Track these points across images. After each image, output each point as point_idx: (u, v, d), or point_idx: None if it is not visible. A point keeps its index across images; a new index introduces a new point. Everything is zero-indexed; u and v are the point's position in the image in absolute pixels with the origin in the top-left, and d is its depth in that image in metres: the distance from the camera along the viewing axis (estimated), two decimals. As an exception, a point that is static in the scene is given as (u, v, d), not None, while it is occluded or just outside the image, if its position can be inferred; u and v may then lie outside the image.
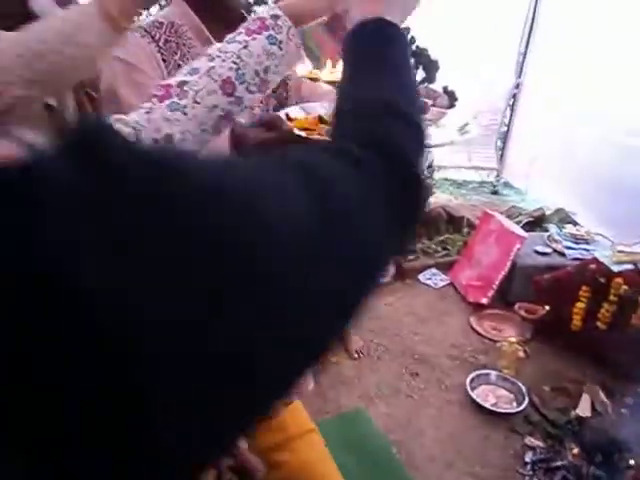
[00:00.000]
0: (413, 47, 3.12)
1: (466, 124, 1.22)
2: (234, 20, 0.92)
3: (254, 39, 0.73)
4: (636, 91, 3.24)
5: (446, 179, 4.56)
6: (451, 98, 3.42)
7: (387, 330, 2.75)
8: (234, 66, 0.72)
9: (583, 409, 2.24)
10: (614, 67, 3.36)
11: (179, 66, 1.02)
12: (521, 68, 4.14)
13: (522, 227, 3.23)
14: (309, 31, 0.82)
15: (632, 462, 1.95)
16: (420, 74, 3.23)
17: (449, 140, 1.20)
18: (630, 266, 2.34)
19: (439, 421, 2.21)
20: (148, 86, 0.83)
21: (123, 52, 1.02)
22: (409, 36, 3.12)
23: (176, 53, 1.08)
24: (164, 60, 1.07)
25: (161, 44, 1.07)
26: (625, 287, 2.27)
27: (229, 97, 0.72)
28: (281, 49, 0.74)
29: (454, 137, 1.20)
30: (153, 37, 1.07)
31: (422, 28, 3.71)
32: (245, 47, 0.72)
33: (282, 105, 1.21)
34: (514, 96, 4.23)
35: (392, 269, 3.12)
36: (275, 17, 0.74)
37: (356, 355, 2.53)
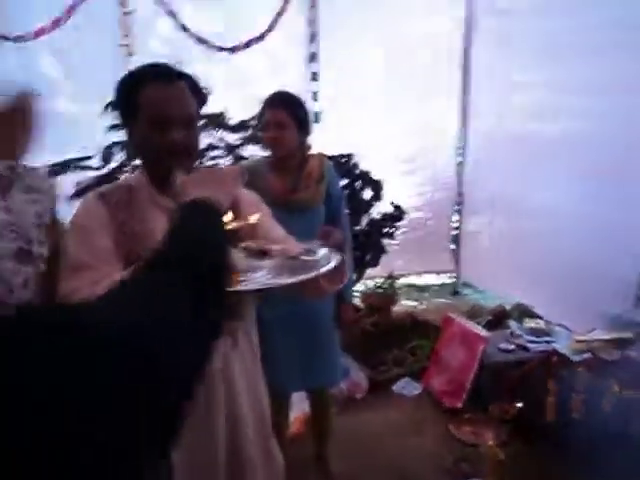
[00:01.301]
0: (357, 171, 3.39)
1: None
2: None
3: None
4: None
5: (409, 285, 4.71)
6: (400, 212, 3.69)
7: (366, 448, 2.69)
8: None
9: (572, 510, 2.19)
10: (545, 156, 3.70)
11: (125, 221, 1.23)
12: (460, 179, 4.50)
13: (484, 326, 3.33)
14: None
15: None
16: (368, 194, 3.48)
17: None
18: (588, 354, 2.44)
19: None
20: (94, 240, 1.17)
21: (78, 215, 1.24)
22: (352, 161, 3.41)
23: (124, 210, 1.25)
24: (113, 216, 1.24)
25: (112, 204, 1.25)
26: (588, 375, 2.34)
27: None
28: None
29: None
30: (105, 199, 1.26)
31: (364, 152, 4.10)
32: None
33: None
34: (458, 203, 4.55)
35: (365, 383, 3.12)
36: None
37: (335, 478, 2.45)
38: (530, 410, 2.58)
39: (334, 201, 2.24)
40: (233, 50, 3.30)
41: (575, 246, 3.51)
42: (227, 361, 1.32)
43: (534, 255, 3.85)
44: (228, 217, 0.90)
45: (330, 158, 3.27)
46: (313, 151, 2.40)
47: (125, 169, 2.64)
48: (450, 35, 4.20)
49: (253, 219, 1.10)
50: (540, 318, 3.46)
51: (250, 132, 2.84)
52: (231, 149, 2.78)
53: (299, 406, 2.62)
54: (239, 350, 1.35)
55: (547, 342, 2.87)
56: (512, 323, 3.22)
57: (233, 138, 2.87)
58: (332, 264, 1.00)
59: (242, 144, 2.87)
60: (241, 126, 2.83)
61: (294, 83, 3.54)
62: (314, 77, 3.52)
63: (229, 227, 0.92)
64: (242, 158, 2.78)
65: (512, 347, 2.94)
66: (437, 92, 4.26)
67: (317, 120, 3.47)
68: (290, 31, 3.55)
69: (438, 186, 4.45)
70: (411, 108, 4.22)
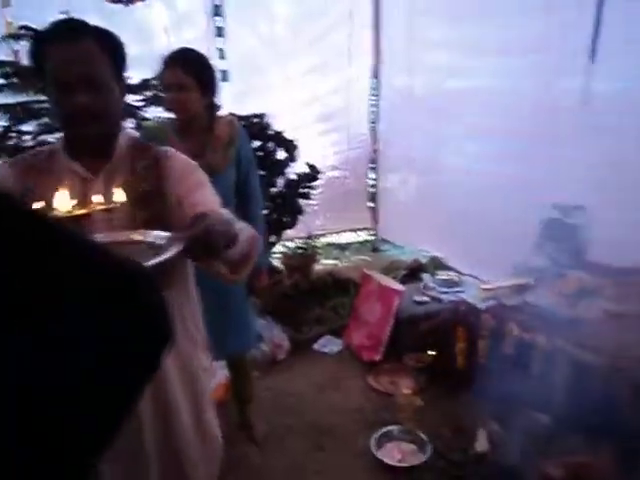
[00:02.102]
0: (270, 131, 3.32)
1: None
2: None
3: None
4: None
5: (329, 244, 4.76)
6: (315, 172, 3.67)
7: (290, 407, 2.74)
8: None
9: (481, 444, 2.36)
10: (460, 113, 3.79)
11: (31, 187, 1.16)
12: (375, 137, 4.54)
13: (401, 280, 3.44)
14: None
15: (530, 486, 2.06)
16: (282, 154, 3.43)
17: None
18: (494, 301, 2.58)
19: (352, 490, 2.21)
20: None
21: None
22: (264, 121, 3.32)
23: (33, 176, 1.19)
24: (18, 181, 1.18)
25: (21, 169, 1.20)
26: (492, 321, 2.49)
27: None
28: None
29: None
30: (15, 164, 1.22)
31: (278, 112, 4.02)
32: None
33: None
34: (374, 161, 4.60)
35: (287, 344, 3.15)
36: None
37: (261, 442, 2.48)
38: (443, 357, 2.72)
39: (245, 164, 2.18)
40: (129, 1, 3.06)
41: (483, 200, 3.66)
42: None
43: (447, 210, 3.98)
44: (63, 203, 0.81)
45: (241, 119, 3.19)
46: (222, 112, 2.31)
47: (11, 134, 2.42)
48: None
49: (117, 199, 1.03)
50: (452, 270, 3.62)
51: (152, 93, 2.67)
52: (132, 111, 2.61)
53: (220, 373, 2.61)
54: None
55: (458, 292, 3.01)
56: (426, 276, 3.34)
57: (133, 99, 2.69)
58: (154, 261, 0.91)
59: (144, 105, 2.70)
60: (142, 86, 2.66)
61: (198, 39, 3.38)
62: (219, 32, 3.35)
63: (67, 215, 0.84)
64: (144, 120, 2.62)
65: (426, 299, 3.06)
66: (350, 51, 4.21)
67: (225, 79, 3.33)
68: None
69: (354, 145, 4.47)
70: (325, 67, 4.16)
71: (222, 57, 3.42)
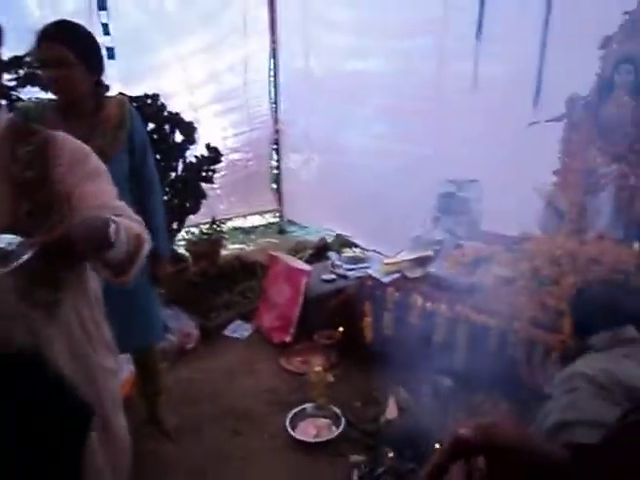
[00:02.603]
0: (165, 113, 3.16)
1: None
2: None
3: None
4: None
5: (235, 228, 4.68)
6: (216, 154, 3.56)
7: (203, 396, 2.67)
8: None
9: (390, 412, 2.45)
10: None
11: None
12: (276, 117, 4.49)
13: (308, 260, 3.46)
14: None
15: (438, 445, 2.18)
16: (180, 137, 3.28)
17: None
18: (397, 274, 2.67)
19: (272, 472, 2.21)
20: None
21: None
22: (159, 102, 3.15)
23: None
24: None
25: None
26: (397, 294, 2.57)
27: None
28: None
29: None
30: None
31: (173, 92, 3.84)
32: None
33: None
34: (276, 141, 4.56)
35: (196, 332, 3.06)
36: None
37: (174, 434, 2.40)
38: (352, 332, 2.77)
39: (138, 148, 2.04)
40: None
41: (384, 178, 3.76)
42: (43, 342, 1.14)
43: (350, 189, 4.05)
44: None
45: (133, 100, 3.00)
46: (111, 93, 2.14)
47: None
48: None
49: None
50: (358, 247, 3.70)
51: (26, 70, 2.42)
52: (2, 91, 2.34)
53: (126, 368, 2.48)
54: (60, 327, 1.17)
55: (363, 268, 3.07)
56: (332, 254, 3.39)
57: (5, 79, 2.42)
58: None
59: (17, 85, 2.44)
60: (13, 63, 2.40)
61: (78, 13, 3.13)
62: (102, 6, 3.10)
63: None
64: (19, 100, 2.38)
65: (333, 277, 3.10)
66: (245, 29, 4.10)
67: (111, 57, 3.10)
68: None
69: (255, 125, 4.39)
70: (220, 45, 4.02)
71: (107, 33, 3.17)
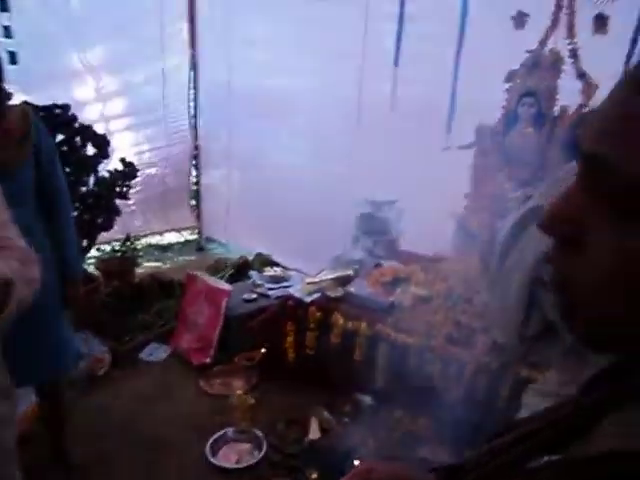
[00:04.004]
0: (76, 124, 2.99)
1: None
2: None
3: None
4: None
5: (150, 245, 4.50)
6: (132, 168, 3.42)
7: (115, 425, 2.52)
8: None
9: (313, 432, 2.45)
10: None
11: None
12: (196, 132, 4.40)
13: (228, 279, 3.40)
14: None
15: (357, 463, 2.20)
16: (91, 150, 3.12)
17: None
18: (319, 294, 2.68)
19: (188, 502, 2.12)
20: None
21: None
22: (69, 113, 2.99)
23: None
24: None
25: None
26: (318, 313, 2.58)
27: None
28: None
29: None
30: None
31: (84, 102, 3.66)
32: None
33: None
34: (195, 157, 4.46)
35: (108, 357, 2.89)
36: None
37: (82, 469, 2.24)
38: (274, 353, 2.75)
39: (45, 160, 1.91)
40: None
41: (305, 196, 3.79)
42: None
43: (271, 206, 4.04)
44: None
45: (39, 110, 2.82)
46: (14, 102, 1.99)
47: None
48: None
49: None
50: (279, 265, 3.69)
51: None
52: None
53: (24, 399, 2.28)
54: None
55: (285, 287, 3.07)
56: (253, 273, 3.35)
57: None
58: None
59: None
60: None
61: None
62: (3, 7, 2.89)
63: None
64: None
65: (254, 296, 3.06)
66: (162, 41, 3.99)
67: (13, 61, 2.89)
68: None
69: (174, 140, 4.27)
70: (135, 55, 3.89)
71: (8, 36, 2.95)
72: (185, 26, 4.10)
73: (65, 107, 2.98)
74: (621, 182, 0.37)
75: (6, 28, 2.94)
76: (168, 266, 4.26)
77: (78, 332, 2.83)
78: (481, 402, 2.18)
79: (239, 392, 2.51)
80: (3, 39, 2.94)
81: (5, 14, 2.93)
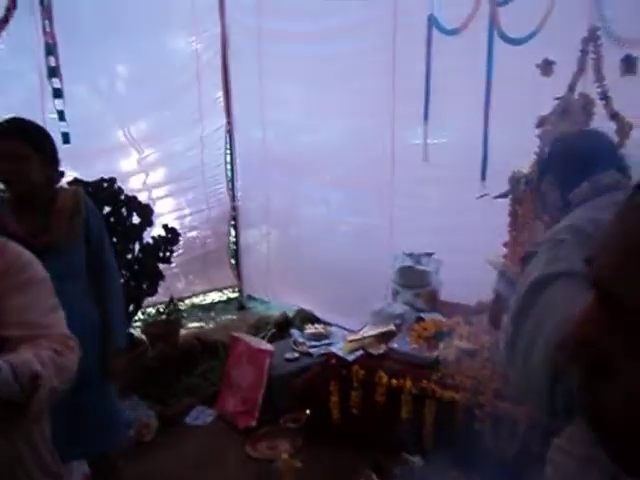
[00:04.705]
0: (122, 196, 3.15)
1: None
2: None
3: None
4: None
5: (194, 306, 4.58)
6: (174, 234, 3.54)
7: (163, 493, 2.51)
8: None
9: (363, 497, 2.36)
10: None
11: None
12: (233, 194, 4.54)
13: (270, 338, 3.40)
14: None
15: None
16: (136, 219, 3.26)
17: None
18: (361, 351, 2.65)
19: None
20: None
21: None
22: (115, 186, 3.15)
23: None
24: None
25: None
26: (362, 372, 2.54)
27: None
28: None
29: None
30: None
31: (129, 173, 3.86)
32: None
33: None
34: (234, 218, 4.58)
35: (154, 422, 2.91)
36: None
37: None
38: (318, 413, 2.70)
39: (95, 237, 2.01)
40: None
41: (342, 251, 3.83)
42: None
43: (308, 262, 4.09)
44: None
45: (88, 185, 2.99)
46: (67, 178, 2.13)
47: None
48: (206, 53, 4.19)
49: None
50: (319, 321, 3.68)
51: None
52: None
53: (78, 471, 2.31)
54: None
55: (327, 345, 3.05)
56: (294, 331, 3.35)
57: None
58: None
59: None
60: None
61: (30, 101, 3.15)
62: (57, 94, 3.14)
63: None
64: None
65: (296, 355, 3.05)
66: (201, 110, 4.21)
67: (66, 141, 3.11)
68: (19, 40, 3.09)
69: (212, 203, 4.42)
70: (175, 126, 4.10)
71: (62, 119, 3.19)
72: (220, 94, 4.32)
73: (111, 180, 3.16)
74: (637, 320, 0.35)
75: (60, 113, 3.17)
76: (211, 326, 4.32)
77: (125, 398, 2.88)
78: (536, 458, 2.07)
79: (285, 456, 2.46)
80: (59, 122, 3.17)
81: (59, 100, 3.17)
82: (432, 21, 2.95)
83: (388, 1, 3.18)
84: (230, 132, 4.42)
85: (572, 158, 1.48)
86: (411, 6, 3.11)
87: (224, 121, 4.37)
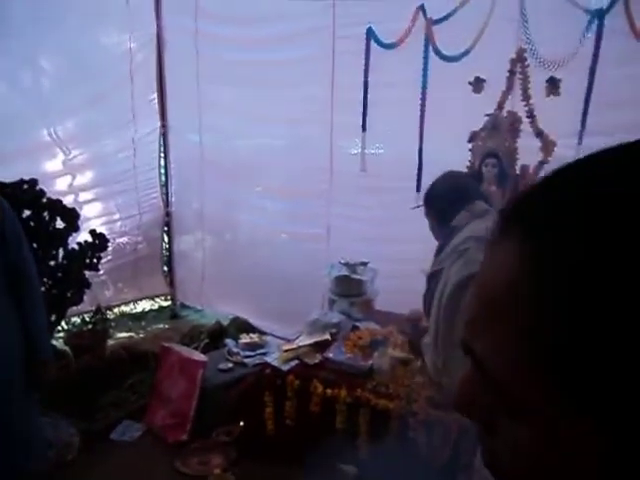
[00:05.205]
0: (44, 199, 2.96)
1: None
2: None
3: None
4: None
5: (123, 314, 4.39)
6: (102, 240, 3.38)
7: (85, 516, 2.36)
8: None
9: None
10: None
11: None
12: (167, 199, 4.40)
13: (203, 348, 3.31)
14: None
15: None
16: (60, 224, 3.08)
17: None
18: (296, 361, 2.62)
19: None
20: None
21: None
22: (37, 188, 2.96)
23: None
24: None
25: None
26: (297, 382, 2.52)
27: None
28: None
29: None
30: None
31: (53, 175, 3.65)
32: None
33: None
34: (167, 224, 4.44)
35: (76, 440, 2.74)
36: None
37: None
38: (252, 425, 2.65)
39: (12, 243, 1.88)
40: None
41: (279, 259, 3.80)
42: None
43: (244, 270, 4.02)
44: None
45: (6, 186, 2.79)
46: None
47: None
48: (140, 52, 4.04)
49: None
50: (255, 330, 3.62)
51: None
52: None
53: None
54: None
55: (262, 354, 3.00)
56: (228, 341, 3.27)
57: None
58: None
59: None
60: None
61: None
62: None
63: None
64: None
65: (230, 365, 2.98)
66: (134, 112, 4.05)
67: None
68: None
69: (145, 208, 4.26)
70: (105, 127, 3.92)
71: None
72: (155, 96, 4.18)
73: (32, 182, 2.97)
74: (489, 379, 0.34)
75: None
76: (142, 336, 4.14)
77: (45, 416, 2.69)
78: (466, 466, 2.12)
79: (217, 471, 2.40)
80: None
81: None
82: (370, 34, 2.99)
83: (328, 12, 3.20)
84: (165, 135, 4.28)
85: (451, 191, 2.01)
86: (350, 18, 3.14)
87: (158, 124, 4.23)
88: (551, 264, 0.30)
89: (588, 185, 0.31)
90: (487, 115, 2.59)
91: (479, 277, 0.36)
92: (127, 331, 4.18)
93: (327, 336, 2.69)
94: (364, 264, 2.94)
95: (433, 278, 2.09)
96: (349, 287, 2.89)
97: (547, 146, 2.60)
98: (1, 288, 1.84)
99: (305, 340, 2.71)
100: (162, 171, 4.34)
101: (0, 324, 1.81)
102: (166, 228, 4.46)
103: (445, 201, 2.01)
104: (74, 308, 3.34)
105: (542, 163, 2.59)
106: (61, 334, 3.60)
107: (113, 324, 3.95)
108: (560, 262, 0.30)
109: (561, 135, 2.60)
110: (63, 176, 3.73)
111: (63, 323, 3.46)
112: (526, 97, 2.61)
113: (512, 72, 2.62)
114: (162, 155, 4.33)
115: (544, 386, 0.31)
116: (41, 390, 1.98)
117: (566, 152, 2.56)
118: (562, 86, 2.56)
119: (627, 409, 0.28)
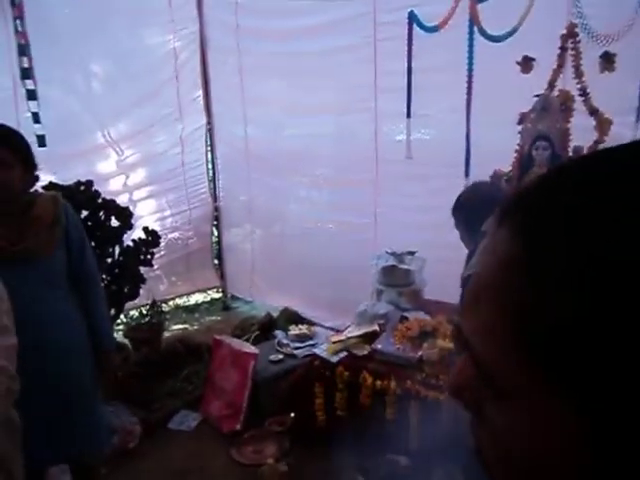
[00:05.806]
0: (99, 200, 3.09)
1: None
2: None
3: None
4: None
5: (177, 307, 4.53)
6: (154, 237, 3.49)
7: (147, 501, 2.47)
8: None
9: (348, 499, 2.35)
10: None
11: None
12: (215, 194, 4.49)
13: (254, 340, 3.37)
14: None
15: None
16: (115, 222, 3.21)
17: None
18: (345, 353, 2.63)
19: None
20: None
21: None
22: (92, 190, 3.09)
23: None
24: None
25: None
26: (346, 373, 2.53)
27: None
28: None
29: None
30: None
31: (107, 175, 3.79)
32: None
33: None
34: (216, 217, 4.54)
35: (138, 429, 2.87)
36: None
37: None
38: (303, 416, 2.68)
39: (76, 244, 1.96)
40: None
41: (326, 249, 3.80)
42: None
43: (292, 261, 4.05)
44: None
45: (65, 189, 2.92)
46: (42, 182, 2.08)
47: None
48: (184, 51, 4.12)
49: None
50: (304, 321, 3.65)
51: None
52: None
53: (59, 479, 2.27)
54: None
55: (311, 346, 3.02)
56: (278, 332, 3.32)
57: None
58: None
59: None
60: None
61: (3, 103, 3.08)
62: (31, 96, 3.06)
63: None
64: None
65: (280, 357, 3.03)
66: (180, 111, 4.14)
67: (42, 144, 3.04)
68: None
69: (194, 203, 4.36)
70: (154, 127, 4.03)
71: (37, 121, 3.12)
72: (200, 93, 4.26)
73: (88, 183, 3.09)
74: (475, 360, 0.35)
75: (35, 115, 3.10)
76: (196, 327, 4.27)
77: (108, 404, 2.83)
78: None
79: (270, 461, 2.45)
80: (33, 124, 3.10)
81: (33, 102, 3.09)
82: (412, 18, 2.92)
83: (368, -2, 3.15)
84: (210, 131, 4.36)
85: (475, 205, 2.07)
86: (391, 3, 3.08)
87: (204, 120, 4.31)
88: (541, 245, 0.31)
89: (586, 182, 0.32)
90: (536, 96, 2.48)
91: (476, 265, 0.37)
92: (181, 323, 4.32)
93: (375, 327, 2.68)
94: (411, 253, 2.90)
95: (466, 284, 2.06)
96: (396, 277, 2.86)
97: (602, 125, 2.46)
98: (67, 288, 1.94)
99: (353, 331, 2.71)
100: (209, 166, 4.43)
101: (67, 321, 1.91)
102: (215, 222, 4.56)
103: (472, 211, 2.08)
104: (131, 302, 3.48)
105: (597, 143, 2.46)
106: (120, 327, 3.76)
107: (168, 317, 4.10)
108: (550, 245, 0.31)
109: (617, 113, 2.46)
110: (117, 176, 3.87)
111: (122, 317, 3.61)
112: (578, 74, 2.48)
113: (563, 49, 2.49)
114: (209, 150, 4.41)
115: (529, 368, 0.31)
116: (106, 378, 2.09)
117: (623, 130, 2.42)
118: (617, 61, 2.41)
119: (610, 390, 0.28)
